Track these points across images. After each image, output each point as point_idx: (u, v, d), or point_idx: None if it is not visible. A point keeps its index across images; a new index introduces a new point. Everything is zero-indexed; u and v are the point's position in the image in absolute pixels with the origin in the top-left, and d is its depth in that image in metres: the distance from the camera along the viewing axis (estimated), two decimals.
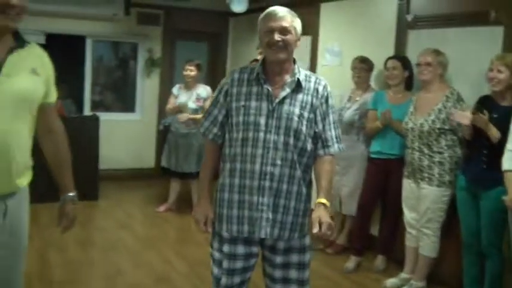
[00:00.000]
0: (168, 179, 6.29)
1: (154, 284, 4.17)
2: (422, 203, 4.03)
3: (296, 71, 2.53)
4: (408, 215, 4.19)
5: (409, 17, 4.69)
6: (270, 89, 2.48)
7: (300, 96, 2.50)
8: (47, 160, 2.44)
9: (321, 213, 2.39)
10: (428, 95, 4.06)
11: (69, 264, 4.45)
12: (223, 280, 2.57)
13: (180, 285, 4.17)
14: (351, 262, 4.64)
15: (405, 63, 4.48)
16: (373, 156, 4.59)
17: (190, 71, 5.96)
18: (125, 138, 7.67)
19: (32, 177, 2.35)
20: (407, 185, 4.16)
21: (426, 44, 4.29)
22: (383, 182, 4.55)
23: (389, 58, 4.57)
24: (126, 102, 8.13)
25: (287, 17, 2.45)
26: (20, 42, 2.18)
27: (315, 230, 2.34)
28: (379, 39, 5.03)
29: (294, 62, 2.56)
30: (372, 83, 5.01)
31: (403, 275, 4.28)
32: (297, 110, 2.47)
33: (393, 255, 4.66)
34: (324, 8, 5.87)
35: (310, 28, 5.97)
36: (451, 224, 4.04)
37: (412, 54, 4.48)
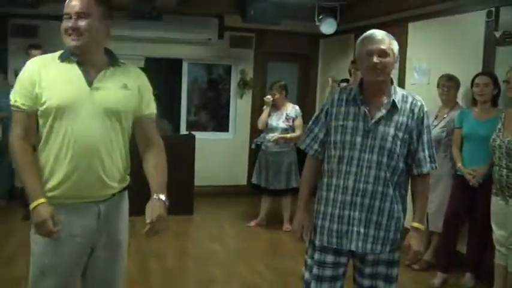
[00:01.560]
0: (259, 196, 6.53)
1: None
2: (510, 220, 3.99)
3: (392, 92, 2.63)
4: (497, 232, 4.14)
5: (498, 34, 4.68)
6: (366, 110, 2.61)
7: (395, 117, 2.60)
8: (145, 169, 2.53)
9: (412, 241, 2.63)
10: None
11: (167, 272, 4.77)
12: (313, 285, 2.74)
13: None
14: (438, 279, 4.64)
15: (495, 79, 4.47)
16: (460, 173, 4.59)
17: (273, 95, 6.21)
18: (218, 156, 8.01)
19: (128, 184, 2.55)
20: (496, 202, 4.12)
21: None
22: (469, 199, 4.53)
23: (479, 74, 4.57)
24: (220, 122, 8.50)
25: (385, 40, 2.57)
26: (113, 61, 2.45)
27: (407, 260, 2.62)
28: (467, 57, 5.04)
29: (392, 82, 2.68)
30: (460, 101, 5.01)
31: None
32: (391, 131, 2.58)
33: (481, 273, 4.60)
34: (412, 27, 5.94)
35: (398, 48, 6.04)
36: None
37: (500, 71, 4.47)
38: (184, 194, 6.66)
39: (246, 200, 7.44)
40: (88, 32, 2.32)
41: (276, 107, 6.26)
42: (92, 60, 2.38)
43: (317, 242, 2.74)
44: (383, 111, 2.60)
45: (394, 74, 5.99)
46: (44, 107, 2.29)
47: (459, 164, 4.49)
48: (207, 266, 5.01)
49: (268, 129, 6.22)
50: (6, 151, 5.79)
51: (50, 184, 2.33)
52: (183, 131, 8.02)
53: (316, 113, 2.84)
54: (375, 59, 2.53)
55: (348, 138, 2.62)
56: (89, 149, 2.32)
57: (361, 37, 2.65)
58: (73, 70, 2.34)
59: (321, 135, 2.75)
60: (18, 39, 6.82)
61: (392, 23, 6.11)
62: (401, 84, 5.99)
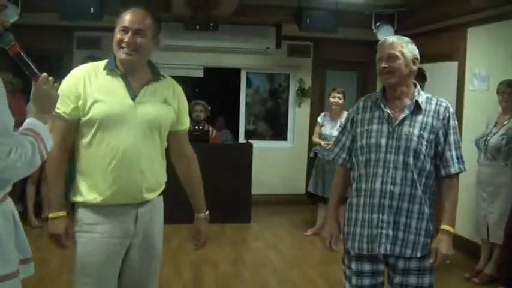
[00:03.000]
0: (316, 204, 6.51)
1: None
2: None
3: (416, 93, 2.65)
4: None
5: None
6: (390, 112, 2.63)
7: (419, 118, 2.61)
8: (181, 182, 2.73)
9: (440, 244, 2.57)
10: None
11: (221, 278, 4.84)
12: None
13: None
14: None
15: None
16: None
17: (339, 98, 6.18)
18: (276, 165, 8.04)
19: (164, 189, 2.64)
20: None
21: None
22: None
23: None
24: (278, 131, 8.55)
25: (395, 44, 2.60)
26: (156, 75, 2.55)
27: (431, 260, 2.56)
28: None
29: (415, 85, 2.69)
30: None
31: None
32: (416, 131, 2.59)
33: None
34: (471, 32, 5.79)
35: (457, 53, 5.92)
36: None
37: None
38: (242, 202, 6.75)
39: (304, 208, 7.44)
40: (143, 50, 2.43)
41: (333, 114, 6.24)
42: (136, 74, 2.48)
43: (351, 251, 2.73)
44: (406, 112, 2.62)
45: (453, 80, 5.90)
46: (88, 117, 2.38)
47: None
48: (261, 274, 5.04)
49: (323, 137, 6.20)
50: None
51: (89, 192, 2.42)
52: (242, 139, 8.10)
53: (344, 122, 2.88)
54: (383, 64, 2.60)
55: (373, 141, 2.63)
56: (131, 160, 2.41)
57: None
58: (117, 82, 2.44)
59: (348, 143, 2.79)
60: (83, 51, 7.11)
61: (451, 29, 6.00)
62: (461, 91, 5.85)
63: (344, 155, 2.80)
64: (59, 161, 2.43)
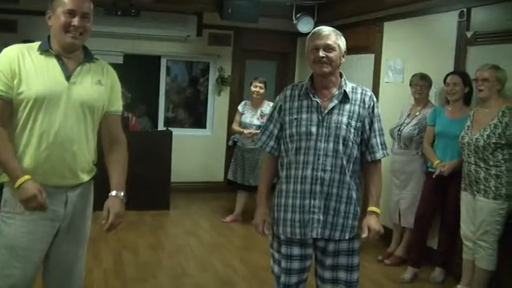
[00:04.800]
0: (235, 192, 6.58)
1: (218, 286, 4.43)
2: (478, 215, 4.08)
3: (343, 83, 2.76)
4: (465, 227, 4.25)
5: (469, 34, 4.79)
6: (319, 101, 2.72)
7: (347, 107, 2.72)
8: (107, 164, 2.64)
9: (370, 221, 2.71)
10: (485, 110, 4.13)
11: (141, 264, 4.80)
12: (282, 278, 2.81)
13: None
14: (408, 273, 4.72)
15: (465, 78, 4.55)
16: (431, 169, 4.68)
17: (260, 88, 6.24)
18: (195, 152, 8.03)
19: (95, 174, 2.63)
20: (464, 197, 4.23)
21: (486, 60, 4.33)
22: (440, 195, 4.63)
23: (450, 74, 4.66)
24: (197, 119, 8.54)
25: (331, 36, 2.68)
26: (89, 57, 2.54)
27: (364, 235, 2.69)
28: (440, 56, 5.14)
29: (341, 75, 2.79)
30: (433, 99, 5.12)
31: (460, 287, 4.32)
32: (344, 119, 2.69)
33: (451, 268, 4.71)
34: (387, 26, 6.03)
35: (374, 46, 6.16)
36: (510, 237, 4.06)
37: (472, 70, 4.54)
38: (160, 189, 6.72)
39: (223, 196, 7.49)
40: (88, 33, 2.44)
41: (254, 103, 6.31)
42: (71, 56, 2.46)
43: (282, 236, 2.79)
44: (335, 101, 2.71)
45: (369, 72, 6.13)
46: (21, 96, 2.34)
47: (436, 161, 4.56)
48: (181, 260, 5.04)
49: (243, 126, 6.27)
50: None
51: (27, 168, 2.38)
52: (161, 127, 8.01)
53: (270, 110, 2.92)
54: (321, 53, 2.66)
55: (304, 129, 2.70)
56: (63, 140, 2.39)
57: (310, 33, 2.78)
58: (52, 63, 2.42)
59: (276, 131, 2.84)
60: None
61: (368, 22, 6.22)
62: (376, 83, 6.09)
63: (272, 143, 2.85)
64: (1, 134, 2.36)
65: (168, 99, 8.35)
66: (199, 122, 8.47)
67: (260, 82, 6.26)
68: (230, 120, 7.60)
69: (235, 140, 6.53)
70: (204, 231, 6.11)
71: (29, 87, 2.34)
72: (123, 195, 2.59)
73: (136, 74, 8.40)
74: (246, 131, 6.15)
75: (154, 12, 7.22)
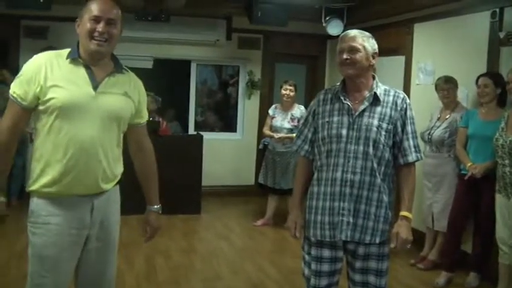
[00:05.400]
0: (266, 195, 6.59)
1: None
2: None
3: (374, 86, 2.75)
4: (500, 230, 4.17)
5: (502, 34, 4.71)
6: (349, 104, 2.71)
7: (378, 109, 2.70)
8: (137, 174, 2.73)
9: (400, 229, 2.69)
10: None
11: (173, 268, 4.85)
12: (312, 281, 2.81)
13: None
14: (442, 278, 4.66)
15: (497, 80, 4.48)
16: (464, 172, 4.61)
17: (290, 91, 6.26)
18: (226, 156, 8.07)
19: (120, 179, 2.63)
20: (499, 200, 4.16)
21: None
22: (474, 198, 4.55)
23: (481, 76, 4.60)
24: (228, 123, 8.58)
25: (356, 38, 2.68)
26: (118, 67, 2.54)
27: (392, 245, 2.69)
28: (472, 57, 5.07)
29: (374, 78, 2.78)
30: (465, 101, 5.05)
31: None
32: (375, 122, 2.68)
33: (487, 272, 4.62)
34: (417, 28, 5.98)
35: (404, 48, 6.10)
36: None
37: (505, 71, 4.46)
38: (192, 194, 6.76)
39: (254, 199, 7.51)
40: (114, 40, 2.43)
41: (284, 106, 6.32)
42: (100, 65, 2.46)
43: (312, 238, 2.80)
44: (366, 104, 2.70)
45: (400, 74, 6.07)
46: (48, 104, 2.34)
47: (469, 164, 4.50)
48: (213, 264, 5.08)
49: (273, 130, 6.28)
50: (21, 150, 5.92)
51: (45, 179, 2.39)
52: (192, 131, 8.07)
53: (305, 115, 2.95)
54: (345, 55, 2.67)
55: (334, 132, 2.71)
56: (88, 150, 2.39)
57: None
58: (80, 72, 2.41)
59: (310, 135, 2.86)
60: (29, 39, 6.96)
61: (398, 24, 6.18)
62: (407, 85, 6.04)
63: (306, 147, 2.88)
64: (13, 145, 2.41)
65: (198, 103, 8.41)
66: (229, 125, 8.52)
67: (290, 85, 6.26)
68: (260, 124, 7.63)
69: (266, 143, 6.55)
70: (236, 235, 6.14)
71: (56, 96, 2.33)
72: (159, 207, 2.79)
73: (167, 78, 8.50)
74: (276, 135, 6.16)
75: (184, 17, 7.29)
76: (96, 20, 2.37)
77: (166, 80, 8.37)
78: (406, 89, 5.99)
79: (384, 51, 5.99)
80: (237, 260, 5.25)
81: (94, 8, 2.39)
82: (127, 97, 2.54)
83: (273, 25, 7.14)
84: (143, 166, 2.72)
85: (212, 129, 8.48)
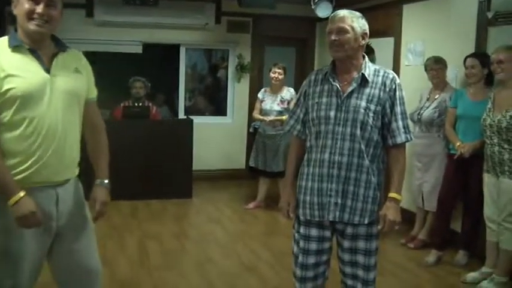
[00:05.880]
0: (257, 179, 6.62)
1: (242, 272, 4.49)
2: (502, 197, 4.04)
3: (363, 66, 2.73)
4: (488, 209, 4.23)
5: (490, 14, 4.72)
6: (338, 86, 2.71)
7: (366, 90, 2.70)
8: (89, 153, 2.65)
9: (388, 211, 2.69)
10: (506, 91, 4.09)
11: (166, 253, 4.87)
12: (300, 258, 2.84)
13: (266, 273, 4.45)
14: (432, 256, 4.72)
15: (484, 60, 4.48)
16: (453, 152, 4.64)
17: (279, 74, 6.25)
18: (217, 140, 8.08)
19: (79, 172, 2.57)
20: (487, 179, 4.20)
21: (507, 41, 4.30)
22: (463, 178, 4.59)
23: (468, 56, 4.61)
24: (218, 107, 8.57)
25: (345, 18, 2.66)
26: (60, 46, 2.45)
27: (379, 226, 2.70)
28: (461, 37, 5.08)
29: (364, 58, 2.76)
30: (454, 82, 5.07)
31: (484, 269, 4.31)
32: (363, 103, 2.68)
33: (475, 250, 4.68)
34: (406, 9, 5.98)
35: (393, 29, 6.11)
36: None
37: (493, 51, 4.50)
38: (183, 178, 6.77)
39: (245, 183, 7.55)
40: (54, 21, 2.34)
41: (273, 89, 6.32)
42: (43, 47, 2.38)
43: (301, 217, 2.84)
44: (354, 85, 2.70)
45: (389, 55, 6.08)
46: (7, 96, 2.26)
47: (458, 143, 4.53)
48: (205, 247, 5.11)
49: (263, 113, 6.28)
50: None
51: (16, 168, 2.31)
52: (182, 116, 8.05)
53: (297, 95, 2.95)
54: (333, 37, 2.66)
55: (323, 113, 2.72)
56: (55, 134, 2.34)
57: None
58: (27, 57, 2.33)
59: (302, 115, 2.88)
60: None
61: (388, 5, 6.18)
62: (397, 66, 6.05)
63: (299, 127, 2.90)
64: None
65: (188, 87, 8.38)
66: (219, 109, 8.51)
67: (279, 68, 6.26)
68: (250, 107, 7.62)
69: (256, 126, 6.55)
70: (227, 219, 6.17)
71: (12, 86, 2.24)
72: (107, 182, 2.64)
73: (156, 63, 8.46)
74: (267, 119, 6.17)
75: (173, 1, 7.26)
76: (35, 0, 2.28)
77: (155, 65, 8.33)
78: (396, 70, 5.98)
79: (373, 33, 5.92)
80: (229, 243, 5.29)
81: None
82: (78, 73, 2.49)
83: (262, 8, 7.11)
84: (96, 145, 2.66)
85: (202, 114, 8.47)
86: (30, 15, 2.29)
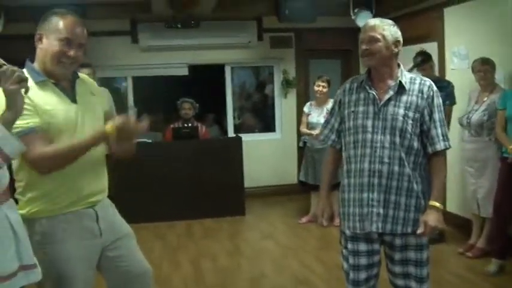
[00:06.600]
0: (309, 193, 6.60)
1: (295, 286, 4.47)
2: None
3: (399, 74, 2.72)
4: None
5: None
6: (375, 94, 2.71)
7: (404, 98, 2.68)
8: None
9: (428, 217, 2.64)
10: None
11: (220, 270, 4.92)
12: (351, 275, 2.81)
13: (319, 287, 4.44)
14: (493, 265, 4.53)
15: None
16: (506, 155, 4.51)
17: (323, 87, 6.26)
18: (267, 156, 8.11)
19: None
20: None
21: None
22: None
23: None
24: (266, 123, 8.62)
25: (376, 27, 2.66)
26: (74, 73, 2.46)
27: (419, 230, 2.64)
28: (506, 38, 4.96)
29: (399, 66, 2.75)
30: (502, 83, 4.94)
31: None
32: (401, 111, 2.66)
33: None
34: (448, 12, 5.88)
35: (435, 34, 6.02)
36: None
37: None
38: (235, 196, 6.82)
39: (297, 197, 7.53)
40: (79, 63, 2.38)
41: (318, 102, 6.33)
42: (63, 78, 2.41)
43: (346, 231, 2.81)
44: (391, 93, 2.68)
45: (434, 60, 5.97)
46: (47, 129, 2.26)
47: (510, 146, 4.39)
48: (259, 263, 5.13)
49: (310, 126, 6.29)
50: None
51: (51, 203, 2.34)
52: (231, 134, 8.14)
53: (332, 105, 2.95)
54: (364, 46, 2.67)
55: (360, 122, 2.71)
56: (92, 160, 2.40)
57: None
58: (52, 90, 2.33)
59: (336, 125, 2.87)
60: None
61: (428, 10, 6.09)
62: (442, 70, 5.95)
63: (333, 137, 2.89)
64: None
65: (236, 105, 8.48)
66: (268, 126, 8.55)
67: (323, 81, 6.27)
68: (299, 122, 7.60)
69: (305, 141, 6.56)
70: (281, 234, 6.18)
71: (50, 121, 2.25)
72: None
73: (202, 83, 8.61)
74: (314, 133, 6.17)
75: (214, 22, 7.38)
76: (67, 42, 2.28)
77: (202, 85, 8.48)
78: (442, 74, 5.90)
79: (416, 38, 6.00)
80: (282, 258, 5.29)
81: (65, 29, 2.28)
82: (93, 95, 2.54)
83: (302, 22, 7.13)
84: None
85: (251, 131, 8.53)
86: (60, 57, 2.29)
